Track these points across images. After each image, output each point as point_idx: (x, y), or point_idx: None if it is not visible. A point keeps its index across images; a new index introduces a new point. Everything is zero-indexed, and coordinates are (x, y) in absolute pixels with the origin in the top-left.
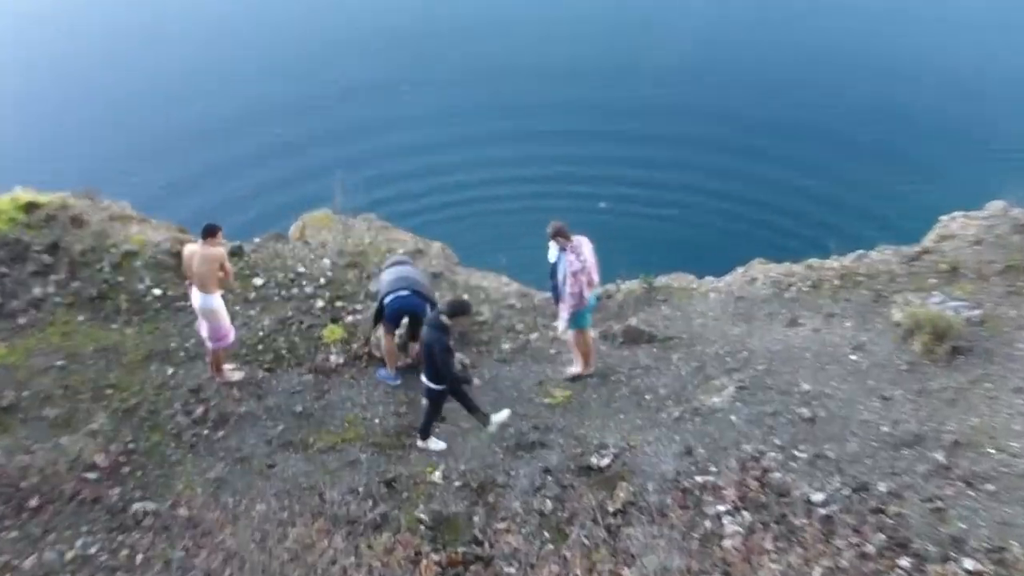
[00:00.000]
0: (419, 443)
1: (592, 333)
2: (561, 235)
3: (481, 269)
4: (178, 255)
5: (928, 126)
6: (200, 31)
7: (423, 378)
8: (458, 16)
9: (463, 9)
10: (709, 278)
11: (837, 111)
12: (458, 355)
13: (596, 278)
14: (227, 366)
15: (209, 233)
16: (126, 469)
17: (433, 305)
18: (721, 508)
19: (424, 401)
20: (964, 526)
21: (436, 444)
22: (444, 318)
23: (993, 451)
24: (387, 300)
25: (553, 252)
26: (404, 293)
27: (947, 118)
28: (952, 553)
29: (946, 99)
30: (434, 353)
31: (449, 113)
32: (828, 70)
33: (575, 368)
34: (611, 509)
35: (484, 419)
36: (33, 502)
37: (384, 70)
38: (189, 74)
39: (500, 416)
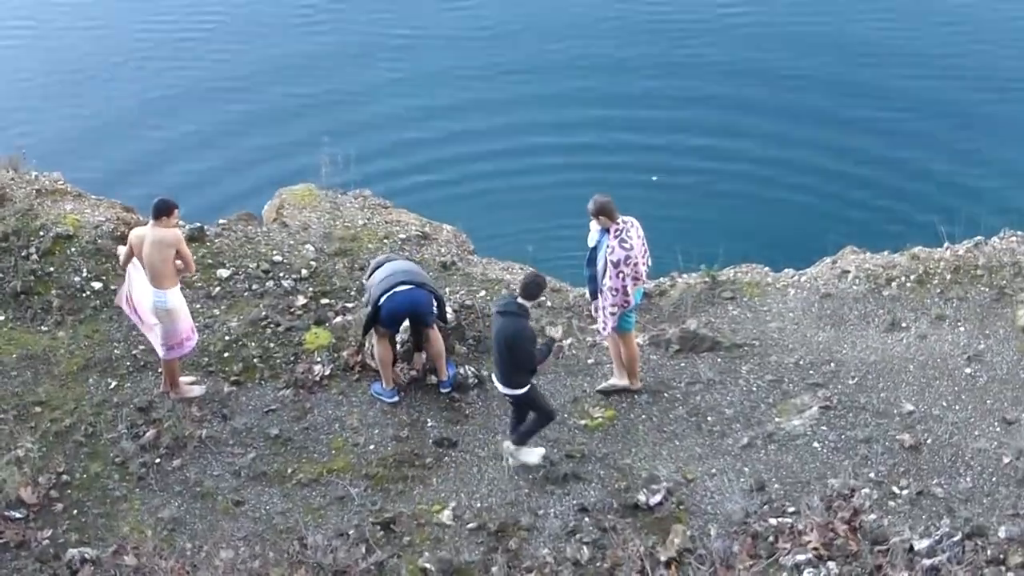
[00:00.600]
0: (510, 448)
1: (638, 338)
2: (605, 213)
3: (502, 259)
4: (123, 239)
5: None
6: None
7: (499, 385)
8: None
9: None
10: (788, 271)
11: (948, 75)
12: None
13: (644, 271)
14: (185, 379)
15: (162, 212)
16: (59, 506)
17: (441, 302)
18: (801, 558)
19: (511, 411)
20: None
21: (530, 454)
22: (521, 300)
23: None
24: (382, 300)
25: (594, 235)
26: (403, 288)
27: None
28: None
29: None
30: (516, 347)
31: (463, 71)
32: (938, 34)
33: (616, 380)
34: (663, 558)
35: (545, 420)
36: None
37: (382, 25)
38: (152, 35)
39: (529, 455)
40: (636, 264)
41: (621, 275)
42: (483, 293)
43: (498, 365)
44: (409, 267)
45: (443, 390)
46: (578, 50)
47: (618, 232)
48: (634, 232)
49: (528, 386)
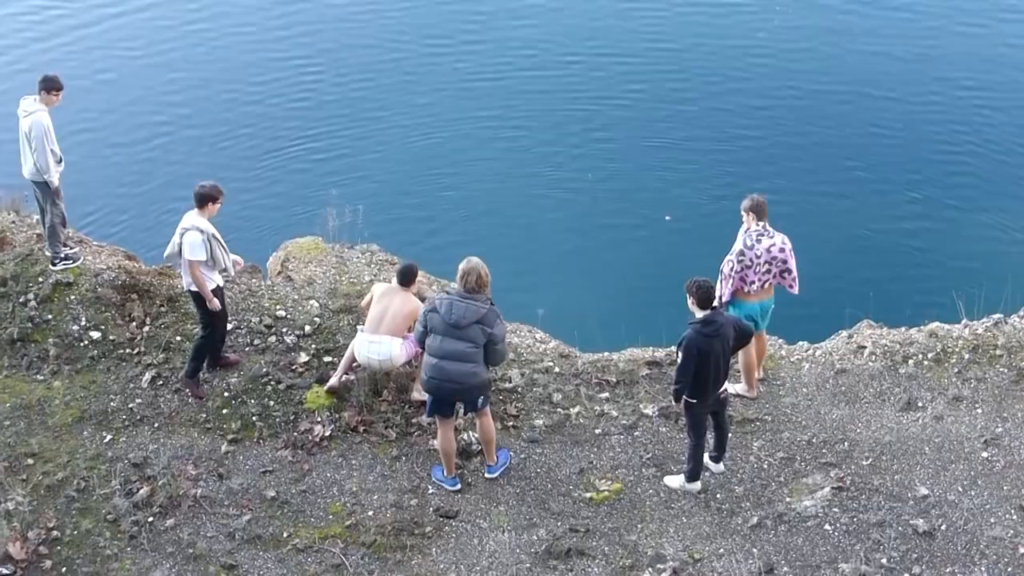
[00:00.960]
0: (685, 485)
1: (647, 409)
2: (752, 211)
3: (510, 320)
4: (124, 288)
5: None
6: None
7: (718, 395)
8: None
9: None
10: (802, 343)
11: (974, 136)
12: None
13: (759, 284)
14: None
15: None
16: (48, 563)
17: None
18: None
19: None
20: None
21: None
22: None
23: None
24: (424, 384)
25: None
26: (442, 370)
27: None
28: None
29: None
30: (735, 320)
31: (476, 120)
32: (964, 100)
33: (737, 386)
34: None
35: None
36: None
37: (392, 76)
38: (156, 82)
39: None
40: (749, 265)
41: (730, 264)
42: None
43: (723, 377)
44: (464, 313)
45: (488, 475)
46: (587, 102)
47: (755, 233)
48: (766, 241)
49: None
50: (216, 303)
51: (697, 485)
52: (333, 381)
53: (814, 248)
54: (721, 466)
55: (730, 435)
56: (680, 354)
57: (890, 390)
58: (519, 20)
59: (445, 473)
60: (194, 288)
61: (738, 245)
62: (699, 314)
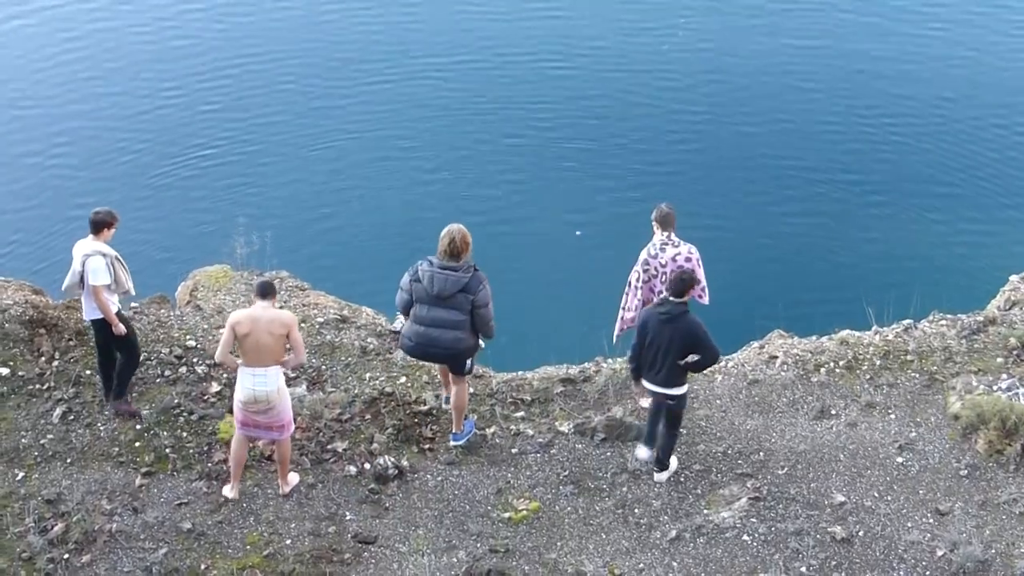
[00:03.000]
0: (660, 477)
1: (563, 426)
2: (659, 221)
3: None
4: (31, 323)
5: (995, 163)
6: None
7: (658, 387)
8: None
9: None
10: None
11: (881, 142)
12: None
13: (695, 293)
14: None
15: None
16: None
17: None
18: None
19: (661, 422)
20: None
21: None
22: (673, 299)
23: None
24: (401, 341)
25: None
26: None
27: (1018, 154)
28: None
29: (1020, 131)
30: (702, 342)
31: (383, 149)
32: (880, 93)
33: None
34: None
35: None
36: None
37: (299, 101)
38: (63, 108)
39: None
40: (655, 275)
41: (636, 275)
42: (403, 379)
43: (663, 368)
44: (445, 284)
45: (453, 443)
46: (494, 118)
47: (661, 242)
48: (671, 250)
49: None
50: (121, 327)
51: (645, 452)
52: (232, 494)
53: (723, 259)
54: (662, 476)
55: (672, 449)
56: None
57: (803, 399)
58: (420, 31)
59: (444, 392)
60: (96, 316)
61: (643, 255)
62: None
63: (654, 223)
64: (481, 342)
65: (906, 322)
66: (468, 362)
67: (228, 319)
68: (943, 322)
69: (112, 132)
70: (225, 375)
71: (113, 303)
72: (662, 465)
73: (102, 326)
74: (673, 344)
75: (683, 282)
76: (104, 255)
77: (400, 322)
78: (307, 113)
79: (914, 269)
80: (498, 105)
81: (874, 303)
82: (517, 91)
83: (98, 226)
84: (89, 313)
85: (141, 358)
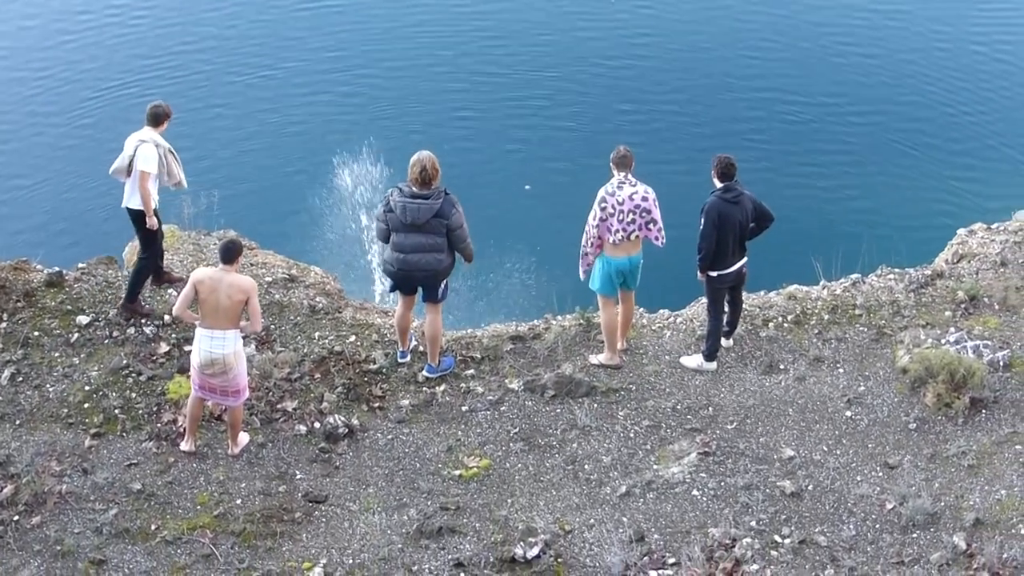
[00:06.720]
0: (703, 364)
1: (513, 383)
2: (616, 162)
3: (372, 301)
4: None
5: (938, 119)
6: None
7: (736, 265)
8: None
9: None
10: (663, 311)
11: (829, 105)
12: None
13: (622, 234)
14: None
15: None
16: None
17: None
18: None
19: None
20: None
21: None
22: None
23: None
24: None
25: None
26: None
27: (963, 110)
28: None
29: (963, 89)
30: (762, 204)
31: (333, 109)
32: (828, 49)
33: (601, 356)
34: None
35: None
36: None
37: (248, 60)
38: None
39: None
40: (612, 213)
41: (593, 213)
42: (353, 338)
43: (739, 246)
44: (417, 212)
45: (426, 374)
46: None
47: (618, 181)
48: (628, 189)
49: None
50: (155, 221)
51: (713, 364)
52: (188, 447)
53: (670, 211)
54: (730, 341)
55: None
56: (702, 220)
57: (751, 353)
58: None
59: (399, 347)
60: (133, 205)
61: (601, 193)
62: (720, 184)
63: (612, 164)
64: (464, 266)
65: (854, 276)
66: (443, 286)
67: (191, 275)
68: (891, 276)
69: (63, 91)
70: (174, 335)
71: (154, 198)
72: (732, 333)
73: (139, 215)
74: (745, 220)
75: (732, 165)
76: (158, 145)
77: (384, 287)
78: (259, 72)
79: (862, 223)
80: (447, 67)
81: (821, 258)
82: (465, 55)
83: (158, 118)
84: (129, 200)
85: (87, 320)
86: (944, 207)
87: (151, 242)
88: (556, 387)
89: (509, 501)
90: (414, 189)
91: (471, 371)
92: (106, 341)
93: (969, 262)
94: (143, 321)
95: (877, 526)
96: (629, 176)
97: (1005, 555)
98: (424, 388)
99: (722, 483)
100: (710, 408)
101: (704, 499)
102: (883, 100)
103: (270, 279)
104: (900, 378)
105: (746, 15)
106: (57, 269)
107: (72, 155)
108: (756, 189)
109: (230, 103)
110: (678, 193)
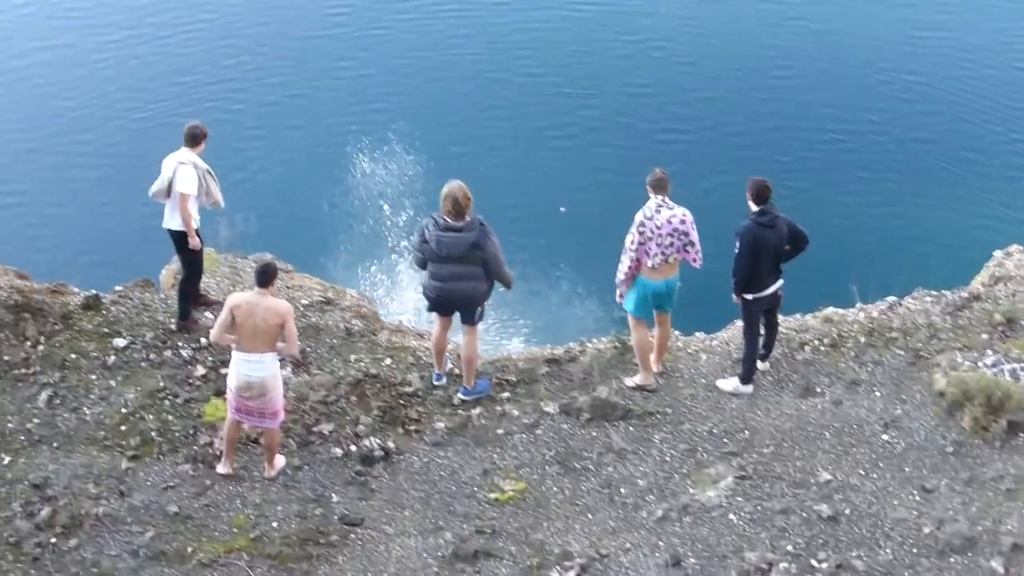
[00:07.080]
0: (740, 387)
1: (548, 407)
2: (653, 185)
3: (410, 323)
4: (16, 307)
5: (975, 141)
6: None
7: (772, 288)
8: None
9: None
10: (699, 334)
11: (859, 119)
12: None
13: (660, 259)
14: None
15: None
16: None
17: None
18: None
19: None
20: None
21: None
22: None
23: None
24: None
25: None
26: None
27: (997, 130)
28: None
29: (1000, 110)
30: (797, 226)
31: (367, 134)
32: (868, 70)
33: (637, 377)
34: None
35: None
36: None
37: (281, 86)
38: (46, 99)
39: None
40: (651, 237)
41: (631, 237)
42: (388, 361)
43: (774, 269)
44: (453, 245)
45: (461, 396)
46: (480, 89)
47: (656, 204)
48: (665, 212)
49: None
50: (197, 241)
51: (750, 388)
52: (225, 470)
53: (707, 236)
54: (767, 364)
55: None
56: (737, 244)
57: (788, 377)
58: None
59: (435, 369)
60: (174, 226)
61: (638, 217)
62: (755, 208)
63: (648, 187)
64: (501, 288)
65: (890, 299)
66: (479, 310)
67: (227, 300)
68: (927, 299)
69: (96, 117)
70: (211, 358)
71: (195, 218)
72: (768, 356)
73: (180, 236)
74: (780, 243)
75: (767, 188)
76: (196, 166)
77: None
78: (294, 93)
79: (898, 246)
80: (483, 93)
81: (858, 280)
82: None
83: (195, 139)
84: (170, 221)
85: (124, 343)
86: (981, 229)
87: (193, 262)
88: (592, 410)
89: (545, 525)
90: (448, 221)
91: (507, 394)
92: (143, 364)
93: (1006, 284)
94: (179, 344)
95: (914, 550)
96: (666, 199)
97: None
98: (460, 411)
99: (758, 507)
100: (746, 431)
101: (740, 523)
102: (921, 121)
103: (306, 302)
104: (937, 401)
105: (784, 37)
106: (94, 292)
107: (107, 179)
108: (791, 210)
109: (270, 124)
110: (713, 215)
